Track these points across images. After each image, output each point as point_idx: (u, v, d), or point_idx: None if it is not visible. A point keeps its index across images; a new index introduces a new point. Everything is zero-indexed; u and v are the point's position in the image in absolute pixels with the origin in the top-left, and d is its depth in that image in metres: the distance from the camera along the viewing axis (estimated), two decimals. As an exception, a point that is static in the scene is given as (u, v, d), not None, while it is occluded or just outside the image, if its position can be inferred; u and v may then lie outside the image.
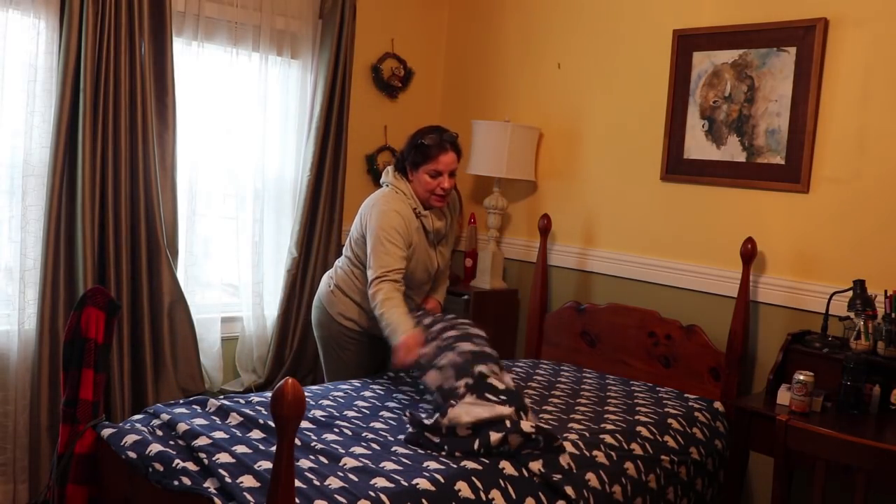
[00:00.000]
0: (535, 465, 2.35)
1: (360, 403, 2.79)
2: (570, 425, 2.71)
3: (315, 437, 2.40)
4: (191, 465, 2.14)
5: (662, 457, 2.73)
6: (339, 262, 3.30)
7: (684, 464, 2.79)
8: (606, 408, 2.95)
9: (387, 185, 3.13)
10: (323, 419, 2.57)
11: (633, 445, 2.68)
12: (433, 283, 3.29)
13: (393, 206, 3.03)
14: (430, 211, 3.12)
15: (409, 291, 3.10)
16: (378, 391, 2.95)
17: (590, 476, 2.47)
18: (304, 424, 2.50)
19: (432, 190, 3.04)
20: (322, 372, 3.90)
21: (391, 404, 2.81)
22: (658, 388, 3.27)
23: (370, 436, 2.46)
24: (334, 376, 3.28)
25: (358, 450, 2.33)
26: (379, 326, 2.95)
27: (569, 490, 2.35)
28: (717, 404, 3.11)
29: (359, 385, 3.01)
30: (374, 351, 3.25)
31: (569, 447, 2.51)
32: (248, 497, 1.95)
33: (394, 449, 2.37)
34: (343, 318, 3.19)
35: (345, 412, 2.67)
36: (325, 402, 2.75)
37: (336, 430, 2.49)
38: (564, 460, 2.42)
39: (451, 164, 3.05)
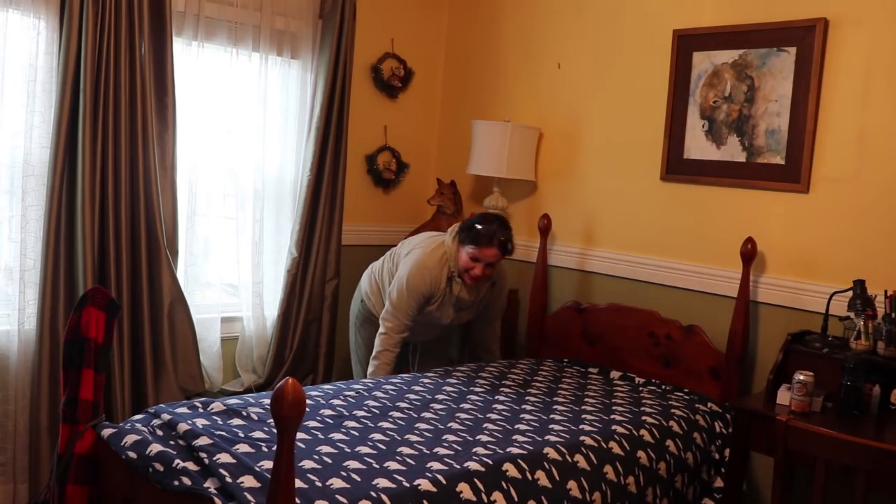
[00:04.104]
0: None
1: (371, 403, 2.79)
2: (581, 426, 2.72)
3: (322, 437, 2.40)
4: (191, 465, 2.14)
5: (668, 442, 2.78)
6: (379, 264, 3.61)
7: (689, 449, 2.84)
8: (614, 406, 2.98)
9: (442, 238, 3.40)
10: (331, 420, 2.58)
11: (641, 430, 2.73)
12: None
13: (429, 263, 3.31)
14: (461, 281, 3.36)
15: (414, 330, 3.42)
16: (391, 391, 2.96)
17: (607, 469, 2.52)
18: (313, 424, 2.51)
19: (466, 270, 3.29)
20: (322, 372, 3.91)
21: (402, 404, 2.82)
22: (664, 385, 3.28)
23: (378, 436, 2.46)
24: (355, 354, 3.69)
25: (364, 449, 2.34)
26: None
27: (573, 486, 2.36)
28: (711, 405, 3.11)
29: (371, 385, 3.03)
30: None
31: (588, 441, 2.57)
32: (249, 497, 1.95)
33: (400, 449, 2.37)
34: (368, 300, 3.57)
35: (354, 411, 2.68)
36: (336, 402, 2.76)
37: (343, 430, 2.49)
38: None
39: (490, 257, 3.27)
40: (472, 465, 2.27)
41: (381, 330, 3.36)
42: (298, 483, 1.99)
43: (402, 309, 3.32)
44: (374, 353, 3.36)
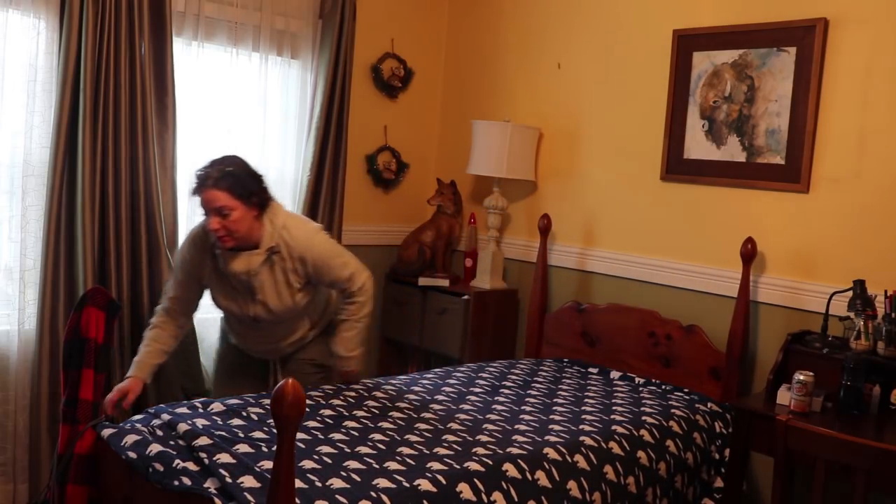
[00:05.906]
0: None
1: (371, 403, 2.79)
2: (581, 426, 2.72)
3: (322, 437, 2.40)
4: (191, 465, 2.14)
5: (668, 442, 2.78)
6: None
7: (690, 450, 2.85)
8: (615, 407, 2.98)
9: None
10: (331, 420, 2.57)
11: (641, 430, 2.73)
12: (287, 328, 2.97)
13: (195, 229, 2.84)
14: (229, 250, 2.72)
15: (236, 329, 3.00)
16: (391, 391, 2.96)
17: (607, 469, 2.52)
18: (313, 424, 2.51)
19: (208, 227, 2.66)
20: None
21: (402, 404, 2.82)
22: (663, 385, 3.28)
23: (377, 436, 2.46)
24: None
25: (364, 449, 2.34)
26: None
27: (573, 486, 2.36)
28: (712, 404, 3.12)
29: (371, 385, 3.03)
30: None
31: (588, 441, 2.57)
32: (249, 497, 1.95)
33: (400, 449, 2.37)
34: None
35: (354, 411, 2.68)
36: (336, 402, 2.76)
37: (343, 430, 2.49)
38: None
39: (214, 201, 2.62)
40: (472, 465, 2.27)
41: (154, 316, 2.91)
42: (298, 483, 1.99)
43: (173, 279, 2.89)
44: (151, 325, 2.88)
